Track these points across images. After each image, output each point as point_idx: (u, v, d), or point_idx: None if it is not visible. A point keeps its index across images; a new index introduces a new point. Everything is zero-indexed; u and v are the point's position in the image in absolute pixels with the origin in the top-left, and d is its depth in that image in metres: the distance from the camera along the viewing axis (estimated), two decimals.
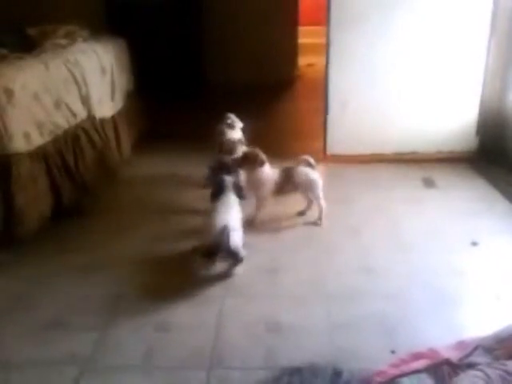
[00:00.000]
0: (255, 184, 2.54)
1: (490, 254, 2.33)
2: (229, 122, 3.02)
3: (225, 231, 2.07)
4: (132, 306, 2.03)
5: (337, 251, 2.39)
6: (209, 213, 2.27)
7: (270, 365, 1.68)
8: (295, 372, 1.60)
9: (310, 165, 2.60)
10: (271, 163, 2.61)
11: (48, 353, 1.78)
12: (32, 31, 3.35)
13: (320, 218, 2.62)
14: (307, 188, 2.60)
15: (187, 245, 2.45)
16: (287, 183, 2.56)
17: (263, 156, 2.53)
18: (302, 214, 2.71)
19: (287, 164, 2.66)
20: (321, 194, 2.59)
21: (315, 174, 2.60)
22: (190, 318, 1.94)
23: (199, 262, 2.20)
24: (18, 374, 1.70)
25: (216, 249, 2.09)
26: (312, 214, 2.68)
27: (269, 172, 2.55)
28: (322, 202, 2.60)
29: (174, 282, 2.18)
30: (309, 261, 2.32)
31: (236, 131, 2.99)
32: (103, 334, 1.86)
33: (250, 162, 2.51)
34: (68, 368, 1.71)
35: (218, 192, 2.30)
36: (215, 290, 2.11)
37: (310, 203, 2.69)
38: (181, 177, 3.30)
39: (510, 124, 3.27)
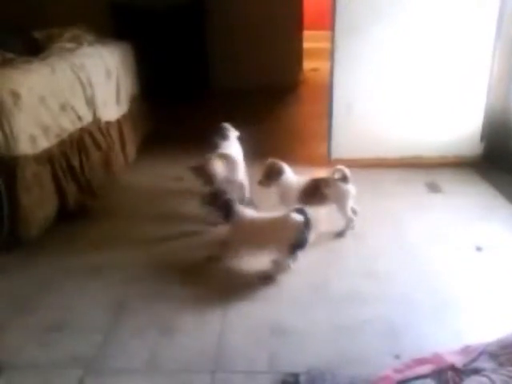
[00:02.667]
0: (279, 194, 2.52)
1: (495, 259, 2.32)
2: (223, 132, 2.89)
3: (308, 224, 2.09)
4: (136, 308, 2.04)
5: (341, 255, 2.38)
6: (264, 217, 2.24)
7: (274, 369, 1.68)
8: (294, 378, 1.59)
9: (344, 176, 2.47)
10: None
11: (51, 355, 1.79)
12: (38, 35, 3.38)
13: (344, 233, 2.53)
14: (337, 199, 2.49)
15: (191, 248, 2.46)
16: (315, 194, 2.47)
17: (280, 165, 2.50)
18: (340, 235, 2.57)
19: (319, 174, 2.66)
20: (349, 206, 2.50)
21: (348, 186, 2.48)
22: (193, 322, 1.94)
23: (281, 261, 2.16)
24: (21, 376, 1.71)
25: (302, 243, 2.11)
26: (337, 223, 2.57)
27: (292, 180, 2.51)
28: (349, 217, 2.52)
29: (179, 285, 2.18)
30: (313, 265, 2.31)
31: (231, 142, 2.87)
32: (107, 337, 1.87)
33: (268, 174, 2.50)
34: (71, 370, 1.71)
35: (228, 211, 2.24)
36: (219, 294, 2.11)
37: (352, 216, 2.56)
38: (185, 180, 3.30)
39: None
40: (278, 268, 2.17)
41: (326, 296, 2.07)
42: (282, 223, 2.14)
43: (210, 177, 2.53)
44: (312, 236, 2.16)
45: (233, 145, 2.86)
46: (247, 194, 2.76)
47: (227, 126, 2.97)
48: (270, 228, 2.18)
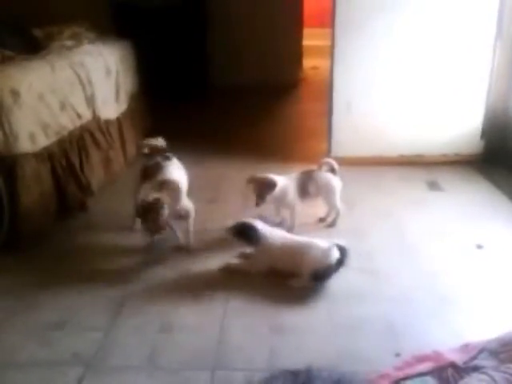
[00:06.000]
0: (278, 204, 2.54)
1: (495, 257, 2.32)
2: (162, 151, 2.52)
3: (342, 261, 2.06)
4: (136, 306, 2.03)
5: None
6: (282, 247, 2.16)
7: (273, 366, 1.68)
8: (290, 376, 1.59)
9: (332, 169, 2.56)
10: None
11: (51, 353, 1.78)
12: (38, 32, 3.37)
13: (334, 223, 2.61)
14: (326, 192, 2.56)
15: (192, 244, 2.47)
16: (310, 186, 2.52)
17: (269, 178, 2.42)
18: (322, 220, 2.66)
19: (308, 167, 2.66)
20: (337, 199, 2.57)
21: (335, 179, 2.56)
22: (193, 319, 1.94)
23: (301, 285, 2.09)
24: (21, 374, 1.71)
25: (323, 275, 2.06)
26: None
27: (284, 184, 2.47)
28: (339, 207, 2.58)
29: (178, 282, 2.18)
30: None
31: (173, 162, 2.50)
32: (107, 335, 1.87)
33: (261, 191, 2.42)
34: (71, 368, 1.71)
35: (252, 237, 2.17)
36: (219, 291, 2.11)
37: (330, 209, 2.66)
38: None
39: None
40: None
41: (325, 294, 2.07)
42: (305, 251, 2.10)
43: (156, 222, 2.16)
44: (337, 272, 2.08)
45: (175, 165, 2.51)
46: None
47: (152, 140, 2.65)
48: (294, 254, 2.14)
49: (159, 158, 2.48)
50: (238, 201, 2.90)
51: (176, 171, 2.43)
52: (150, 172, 2.42)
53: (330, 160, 2.59)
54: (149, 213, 2.15)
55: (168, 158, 2.49)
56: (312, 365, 1.63)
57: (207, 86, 5.50)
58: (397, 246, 2.43)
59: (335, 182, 2.56)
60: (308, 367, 1.60)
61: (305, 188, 2.52)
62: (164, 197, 2.20)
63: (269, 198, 2.42)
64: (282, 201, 2.50)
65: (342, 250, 2.08)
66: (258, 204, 2.41)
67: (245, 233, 2.18)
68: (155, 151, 2.54)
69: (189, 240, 2.41)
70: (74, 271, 2.29)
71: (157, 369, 1.70)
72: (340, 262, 2.07)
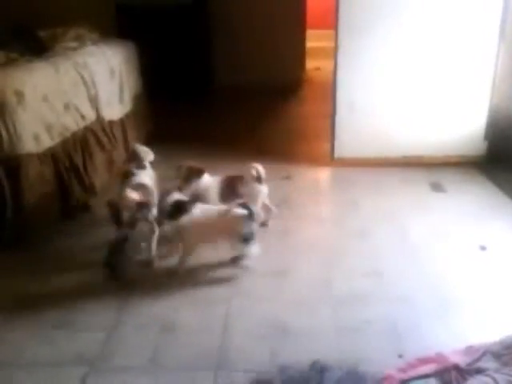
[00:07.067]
0: (198, 195, 2.49)
1: (499, 259, 2.31)
2: (139, 160, 2.67)
3: (252, 216, 2.18)
4: (138, 306, 2.04)
5: (344, 255, 2.38)
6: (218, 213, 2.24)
7: (276, 367, 1.67)
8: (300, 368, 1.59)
9: (257, 175, 2.51)
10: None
11: (55, 353, 1.79)
12: (42, 34, 3.38)
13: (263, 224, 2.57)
14: (250, 198, 2.48)
15: None
16: (230, 191, 2.50)
17: (199, 168, 2.52)
18: (264, 225, 2.60)
19: (233, 172, 2.62)
20: (259, 205, 2.51)
21: (259, 187, 2.52)
22: (196, 319, 1.95)
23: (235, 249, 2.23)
24: (25, 374, 1.71)
25: (249, 235, 2.18)
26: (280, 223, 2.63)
27: (208, 181, 2.52)
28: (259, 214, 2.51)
29: (181, 282, 2.18)
30: (316, 264, 2.31)
31: (147, 171, 2.66)
32: (110, 335, 1.87)
33: (187, 177, 2.49)
34: (74, 368, 1.72)
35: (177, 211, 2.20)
36: (222, 292, 2.11)
37: (268, 213, 2.64)
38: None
39: None
40: (241, 258, 2.26)
41: (328, 295, 2.07)
42: (227, 218, 2.19)
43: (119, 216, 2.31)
44: (256, 228, 2.22)
45: (147, 173, 2.66)
46: None
47: (141, 150, 2.77)
48: (217, 223, 2.22)
49: (134, 165, 2.64)
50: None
51: (146, 177, 2.57)
52: (127, 176, 2.56)
53: (256, 166, 2.53)
54: (119, 210, 2.30)
55: (141, 166, 2.64)
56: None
57: (210, 86, 5.51)
58: (400, 248, 2.43)
59: (258, 189, 2.51)
60: (316, 360, 1.59)
61: (225, 193, 2.49)
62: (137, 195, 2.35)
63: (193, 185, 2.47)
64: (203, 198, 2.47)
65: (246, 207, 2.18)
66: (180, 188, 2.46)
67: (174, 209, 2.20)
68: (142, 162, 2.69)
69: (150, 254, 2.36)
70: (76, 271, 2.30)
71: (159, 369, 1.71)
72: (251, 218, 2.18)
